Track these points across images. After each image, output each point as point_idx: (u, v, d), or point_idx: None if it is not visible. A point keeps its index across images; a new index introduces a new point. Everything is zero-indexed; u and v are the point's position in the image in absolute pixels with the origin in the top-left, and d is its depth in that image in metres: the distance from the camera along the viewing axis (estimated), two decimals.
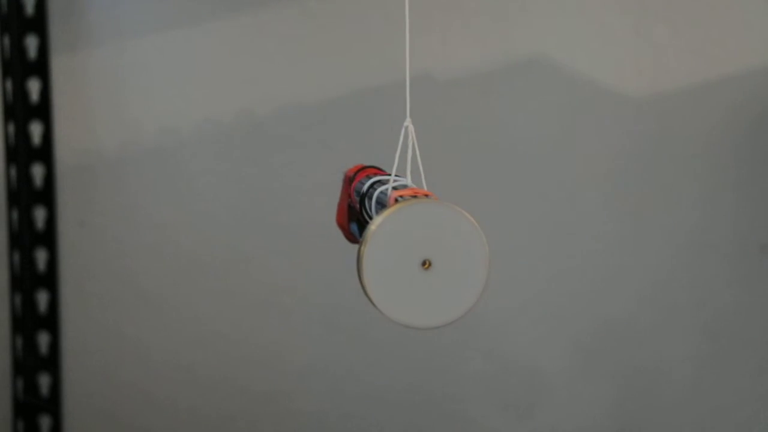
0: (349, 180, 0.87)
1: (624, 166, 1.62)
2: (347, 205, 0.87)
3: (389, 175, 0.81)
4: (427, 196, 0.74)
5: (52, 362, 1.56)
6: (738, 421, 1.67)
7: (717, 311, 1.65)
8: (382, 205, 0.78)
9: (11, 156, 1.54)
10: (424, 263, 0.72)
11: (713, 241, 1.64)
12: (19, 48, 1.51)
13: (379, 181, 0.80)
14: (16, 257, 1.55)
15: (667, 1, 1.60)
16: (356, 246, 0.84)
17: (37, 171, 1.54)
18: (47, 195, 1.54)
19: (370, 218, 0.81)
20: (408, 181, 0.79)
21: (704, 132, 1.62)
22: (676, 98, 1.61)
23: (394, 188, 0.78)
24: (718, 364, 1.66)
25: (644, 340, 1.65)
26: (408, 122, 0.79)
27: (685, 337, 1.65)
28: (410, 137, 0.78)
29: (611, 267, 1.63)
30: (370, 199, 0.80)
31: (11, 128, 1.53)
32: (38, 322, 1.55)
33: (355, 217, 0.86)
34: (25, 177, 1.53)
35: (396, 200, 0.74)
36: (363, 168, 0.85)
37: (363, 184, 0.83)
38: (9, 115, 1.53)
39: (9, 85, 1.52)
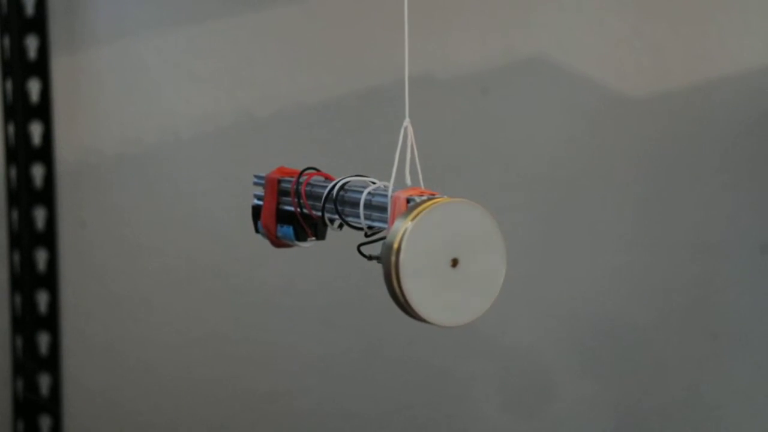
0: (277, 182, 0.86)
1: (624, 166, 1.62)
2: (275, 209, 0.86)
3: (351, 177, 0.80)
4: (432, 195, 0.74)
5: (52, 362, 1.56)
6: (738, 421, 1.67)
7: (717, 311, 1.65)
8: (379, 208, 0.77)
9: (11, 156, 1.54)
10: (452, 262, 0.72)
11: (713, 241, 1.64)
12: (19, 48, 1.51)
13: (348, 183, 0.80)
14: (16, 257, 1.55)
15: (667, 1, 1.60)
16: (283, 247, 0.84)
17: (37, 171, 1.54)
18: (47, 195, 1.54)
19: (344, 221, 0.80)
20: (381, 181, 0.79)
21: (704, 132, 1.62)
22: (676, 98, 1.61)
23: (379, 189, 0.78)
24: (718, 364, 1.66)
25: (644, 340, 1.65)
26: (407, 122, 0.78)
27: (685, 337, 1.65)
28: (409, 137, 0.78)
29: (611, 267, 1.63)
30: (345, 203, 0.79)
31: (11, 128, 1.53)
32: (38, 322, 1.55)
33: (289, 221, 0.85)
34: (25, 177, 1.53)
35: (407, 201, 0.74)
36: (304, 171, 0.84)
37: (317, 187, 0.82)
38: (9, 115, 1.53)
39: (9, 85, 1.52)
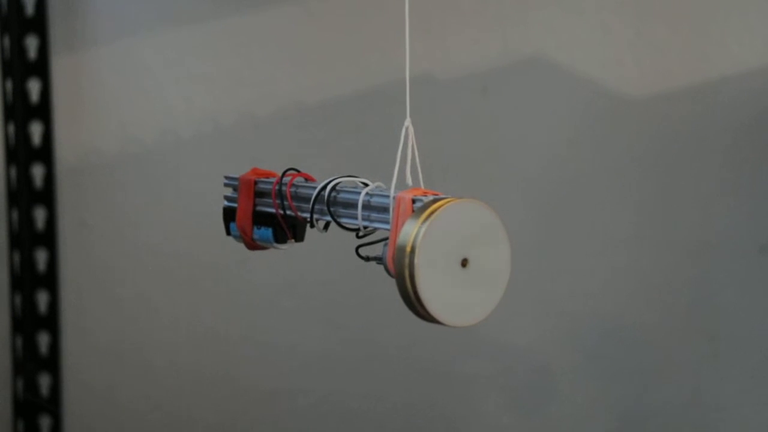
0: (253, 184, 0.85)
1: (623, 166, 1.62)
2: (252, 210, 0.86)
3: (341, 177, 0.80)
4: (436, 195, 0.74)
5: (52, 362, 1.56)
6: (738, 421, 1.67)
7: (717, 311, 1.65)
8: (378, 208, 0.77)
9: (11, 156, 1.54)
10: (462, 262, 0.72)
11: (713, 241, 1.64)
12: (19, 48, 1.51)
13: (339, 184, 0.80)
14: (16, 257, 1.55)
15: (667, 1, 1.60)
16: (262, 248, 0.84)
17: (37, 171, 1.54)
18: (47, 195, 1.54)
19: (338, 222, 0.80)
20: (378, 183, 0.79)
21: (704, 132, 1.62)
22: (676, 98, 1.61)
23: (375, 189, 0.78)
24: (718, 364, 1.66)
25: (644, 340, 1.65)
26: (408, 122, 0.78)
27: (685, 337, 1.65)
28: (410, 137, 0.78)
29: (611, 267, 1.63)
30: (338, 203, 0.79)
31: (11, 128, 1.53)
32: (38, 322, 1.55)
33: (266, 222, 0.85)
34: (25, 177, 1.53)
35: (413, 202, 0.74)
36: (286, 171, 0.84)
37: (301, 188, 0.82)
38: (9, 115, 1.53)
39: (9, 85, 1.52)
